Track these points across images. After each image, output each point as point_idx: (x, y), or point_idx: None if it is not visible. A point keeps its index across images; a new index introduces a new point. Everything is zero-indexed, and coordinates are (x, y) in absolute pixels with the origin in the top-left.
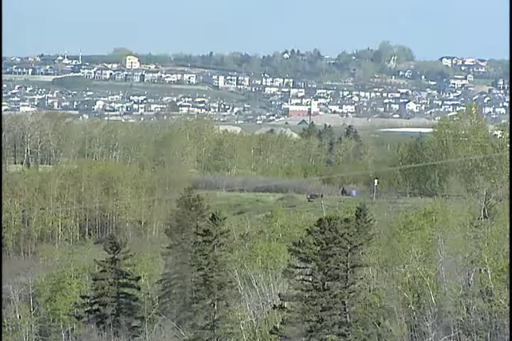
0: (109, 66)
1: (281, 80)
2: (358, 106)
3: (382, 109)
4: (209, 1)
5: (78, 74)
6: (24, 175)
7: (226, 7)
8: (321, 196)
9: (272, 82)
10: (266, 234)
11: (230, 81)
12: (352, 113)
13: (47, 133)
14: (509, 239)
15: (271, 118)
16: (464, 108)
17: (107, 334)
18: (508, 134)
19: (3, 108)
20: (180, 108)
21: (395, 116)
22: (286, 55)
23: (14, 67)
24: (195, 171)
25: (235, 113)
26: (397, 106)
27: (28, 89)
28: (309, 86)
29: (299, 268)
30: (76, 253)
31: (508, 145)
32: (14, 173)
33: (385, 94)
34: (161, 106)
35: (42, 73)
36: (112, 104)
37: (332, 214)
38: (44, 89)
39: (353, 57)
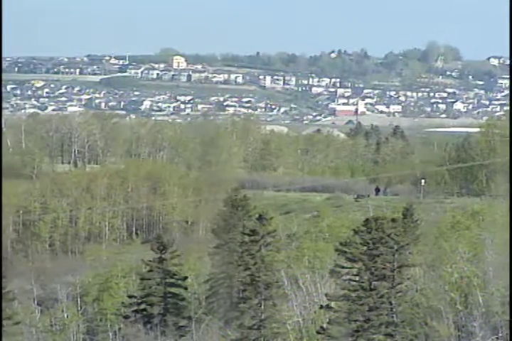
0: (156, 66)
1: (328, 80)
2: (405, 106)
3: (429, 109)
4: (256, 2)
5: (125, 74)
6: (71, 175)
7: (274, 8)
8: (368, 196)
9: (319, 81)
10: (313, 233)
11: (276, 81)
12: (399, 113)
13: (94, 133)
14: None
15: (317, 118)
16: None
17: (154, 334)
18: None
19: (52, 107)
20: (226, 108)
21: (442, 115)
22: (333, 55)
23: (62, 67)
24: (242, 171)
25: (282, 113)
26: (444, 106)
27: (76, 89)
28: (356, 86)
29: (346, 268)
30: (123, 252)
31: None
32: (62, 173)
33: (432, 94)
34: (208, 106)
35: (89, 73)
36: (159, 104)
37: (379, 214)
38: (91, 89)
39: (400, 57)
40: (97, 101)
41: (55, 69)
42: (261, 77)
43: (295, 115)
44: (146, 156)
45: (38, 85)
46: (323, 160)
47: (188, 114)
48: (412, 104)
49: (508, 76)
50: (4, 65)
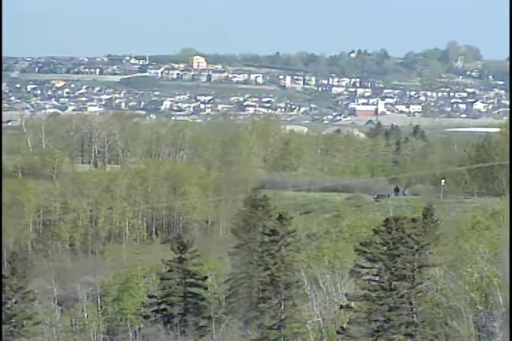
0: (176, 66)
1: (348, 80)
2: (425, 106)
3: (449, 109)
4: (277, 2)
5: (145, 74)
6: (92, 175)
7: (294, 8)
8: (388, 196)
9: (339, 81)
10: (333, 233)
11: (296, 81)
12: (419, 112)
13: (114, 133)
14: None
15: (337, 118)
16: None
17: (174, 334)
18: None
19: (72, 107)
20: (246, 108)
21: (462, 115)
22: (353, 55)
23: (82, 67)
24: (262, 171)
25: (302, 113)
26: (464, 106)
27: (96, 89)
28: (376, 86)
29: (366, 268)
30: (143, 252)
31: None
32: (82, 173)
33: (452, 94)
34: (228, 106)
35: (109, 73)
36: (179, 104)
37: (399, 214)
38: (111, 89)
39: (420, 57)
40: (117, 101)
41: (75, 70)
42: (281, 77)
43: (315, 115)
44: (166, 156)
45: (58, 85)
46: (343, 160)
47: (208, 114)
48: (432, 103)
49: None
50: (24, 65)
